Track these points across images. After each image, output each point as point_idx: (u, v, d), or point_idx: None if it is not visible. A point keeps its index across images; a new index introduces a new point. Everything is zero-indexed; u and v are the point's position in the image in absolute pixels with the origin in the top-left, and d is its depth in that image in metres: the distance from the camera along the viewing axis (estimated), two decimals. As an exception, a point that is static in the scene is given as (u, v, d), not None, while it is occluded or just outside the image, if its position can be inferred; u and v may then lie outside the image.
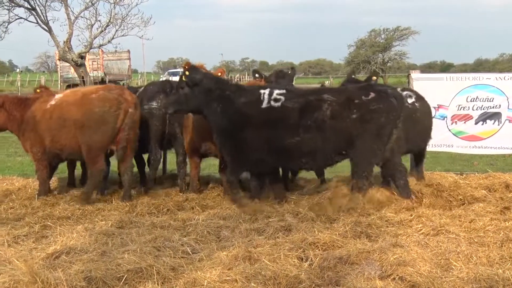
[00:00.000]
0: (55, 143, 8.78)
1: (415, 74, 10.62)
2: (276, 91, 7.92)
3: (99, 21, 27.75)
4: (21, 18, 27.32)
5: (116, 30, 27.95)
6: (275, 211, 7.63)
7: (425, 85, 10.41)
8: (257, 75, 9.70)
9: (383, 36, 63.31)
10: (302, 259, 5.77)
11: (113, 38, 28.08)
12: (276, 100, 7.84)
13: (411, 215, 7.35)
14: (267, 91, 7.93)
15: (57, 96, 9.05)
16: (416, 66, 66.26)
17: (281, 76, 9.56)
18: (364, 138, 7.80)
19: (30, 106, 9.04)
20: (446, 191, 8.40)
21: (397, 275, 5.28)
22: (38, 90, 9.63)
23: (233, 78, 56.60)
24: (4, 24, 27.18)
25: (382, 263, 5.54)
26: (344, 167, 8.61)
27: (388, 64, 63.76)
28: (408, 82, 10.65)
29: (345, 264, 5.61)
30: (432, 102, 10.28)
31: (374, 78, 9.38)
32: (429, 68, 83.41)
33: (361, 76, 60.02)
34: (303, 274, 5.29)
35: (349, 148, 7.88)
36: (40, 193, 8.97)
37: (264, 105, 7.84)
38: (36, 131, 8.85)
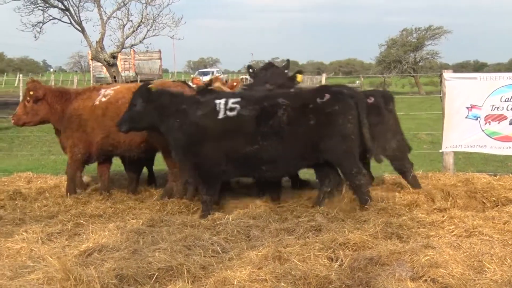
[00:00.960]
0: (110, 140, 8.76)
1: (447, 74, 10.47)
2: (231, 100, 7.77)
3: (131, 21, 27.97)
4: (55, 18, 27.67)
5: (148, 30, 28.12)
6: (305, 211, 7.62)
7: (457, 85, 10.28)
8: (250, 70, 9.64)
9: (415, 35, 62.36)
10: (332, 260, 5.74)
11: (144, 38, 28.26)
12: (231, 109, 7.71)
13: (443, 217, 7.25)
14: (222, 101, 7.77)
15: (105, 92, 9.02)
16: (448, 65, 65.29)
17: (266, 68, 9.33)
18: (330, 142, 7.72)
19: (71, 101, 8.99)
20: (479, 192, 8.28)
21: (429, 276, 5.22)
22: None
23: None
24: (38, 24, 27.55)
25: (413, 265, 5.47)
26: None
27: (420, 63, 62.80)
28: (441, 82, 10.51)
29: (376, 265, 5.55)
30: (465, 102, 10.16)
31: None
32: (462, 67, 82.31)
33: (392, 77, 59.58)
34: (333, 275, 5.26)
35: (314, 153, 7.79)
36: (70, 191, 8.99)
37: (221, 115, 7.70)
38: (84, 130, 8.79)
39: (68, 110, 8.94)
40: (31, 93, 8.96)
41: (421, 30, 62.21)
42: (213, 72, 53.34)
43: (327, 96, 7.75)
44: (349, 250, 6.00)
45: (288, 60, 9.47)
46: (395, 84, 67.76)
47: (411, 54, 62.40)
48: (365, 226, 6.77)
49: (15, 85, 43.40)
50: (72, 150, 8.94)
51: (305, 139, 7.68)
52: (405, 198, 8.10)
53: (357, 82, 71.01)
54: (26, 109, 9.07)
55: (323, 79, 11.94)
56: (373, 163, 8.76)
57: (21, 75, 25.22)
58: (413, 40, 62.46)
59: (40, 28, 27.67)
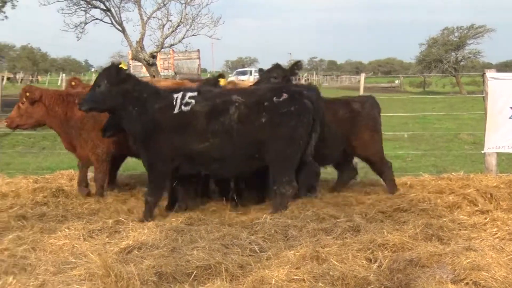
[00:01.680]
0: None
1: (490, 73, 10.26)
2: (188, 94, 7.63)
3: (171, 21, 28.26)
4: (96, 19, 28.20)
5: (187, 30, 28.35)
6: (343, 212, 7.57)
7: (501, 84, 10.07)
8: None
9: (456, 34, 61.38)
10: (370, 260, 5.68)
11: (183, 38, 28.51)
12: (186, 104, 7.57)
13: (486, 219, 7.12)
14: (179, 95, 7.63)
15: None
16: (491, 65, 64.12)
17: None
18: (276, 143, 7.56)
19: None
20: (523, 194, 8.09)
21: (471, 279, 5.13)
22: (73, 83, 9.53)
23: (301, 77, 56.53)
24: (81, 25, 28.10)
25: (454, 267, 5.39)
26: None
27: (462, 63, 61.80)
28: (483, 81, 10.31)
29: (416, 267, 5.48)
30: (508, 102, 9.95)
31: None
32: (505, 67, 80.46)
33: (433, 76, 58.62)
34: (372, 276, 5.21)
35: (261, 153, 7.64)
36: (100, 194, 8.94)
37: (176, 110, 7.56)
38: (100, 128, 8.42)
39: (75, 113, 8.66)
40: (28, 94, 8.73)
41: (463, 29, 61.21)
42: (251, 72, 53.42)
43: (285, 96, 7.61)
44: (388, 251, 5.93)
45: (298, 61, 9.50)
46: (435, 83, 66.88)
47: (453, 53, 61.46)
48: (405, 227, 6.69)
49: (58, 84, 44.36)
50: (95, 152, 8.79)
51: (254, 138, 7.56)
52: (446, 199, 7.98)
53: (397, 81, 70.39)
54: (20, 111, 8.84)
55: (361, 79, 11.82)
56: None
57: (63, 75, 25.80)
58: (454, 39, 61.50)
59: (83, 28, 28.24)
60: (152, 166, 7.75)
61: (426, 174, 9.98)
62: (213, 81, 9.06)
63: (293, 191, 7.71)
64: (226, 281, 5.21)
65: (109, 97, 7.67)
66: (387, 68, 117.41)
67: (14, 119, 8.90)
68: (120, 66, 7.71)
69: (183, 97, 7.61)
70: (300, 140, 7.63)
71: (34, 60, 76.65)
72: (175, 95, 7.65)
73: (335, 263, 5.49)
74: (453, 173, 9.63)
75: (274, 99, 7.57)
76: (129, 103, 7.67)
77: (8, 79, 50.53)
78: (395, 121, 20.02)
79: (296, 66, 9.31)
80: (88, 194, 9.05)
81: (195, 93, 7.67)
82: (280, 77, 8.89)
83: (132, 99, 7.67)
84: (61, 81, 26.68)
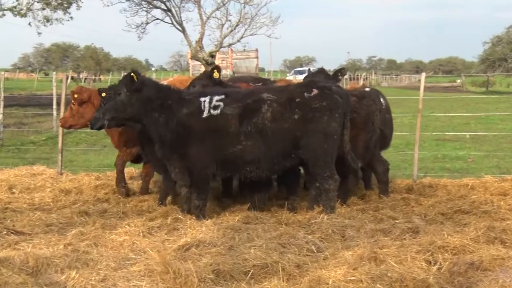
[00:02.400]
0: None
1: (558, 72, 9.90)
2: (216, 97, 7.51)
3: (230, 20, 28.59)
4: (157, 19, 28.79)
5: (245, 30, 28.60)
6: (401, 213, 7.46)
7: None
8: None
9: (523, 32, 59.48)
10: (430, 263, 5.59)
11: (242, 37, 28.80)
12: (215, 107, 7.46)
13: (552, 222, 6.87)
14: (207, 99, 7.50)
15: None
16: (559, 63, 61.60)
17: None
18: (313, 139, 7.49)
19: None
20: None
21: (536, 285, 4.96)
22: None
23: (359, 76, 55.93)
24: (142, 25, 28.76)
25: (518, 272, 5.23)
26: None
27: (528, 61, 59.81)
28: (550, 80, 9.95)
29: (477, 270, 5.36)
30: None
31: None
32: None
33: (497, 75, 56.95)
34: (432, 278, 5.12)
35: (297, 150, 7.56)
36: (119, 181, 9.26)
37: (205, 114, 7.44)
38: None
39: None
40: (76, 96, 9.03)
41: (530, 26, 59.10)
42: (309, 71, 53.29)
43: (315, 91, 7.57)
44: (448, 254, 5.82)
45: (342, 68, 9.68)
46: (499, 83, 64.86)
47: (519, 51, 59.43)
48: (466, 230, 6.56)
49: (119, 84, 45.03)
50: (123, 145, 9.24)
51: (289, 135, 7.50)
52: (510, 202, 7.76)
53: (458, 81, 68.65)
54: (72, 111, 9.16)
55: (422, 78, 11.60)
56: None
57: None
58: (521, 37, 59.45)
59: (144, 28, 28.86)
60: (191, 171, 7.73)
61: (488, 175, 9.71)
62: (209, 74, 8.99)
63: (336, 185, 7.68)
64: (283, 280, 5.22)
65: (130, 105, 7.64)
66: (448, 67, 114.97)
67: (67, 120, 9.29)
68: (132, 75, 7.63)
69: (210, 101, 7.55)
70: (334, 135, 7.61)
71: (97, 59, 78.46)
72: (202, 99, 7.59)
73: (394, 264, 5.42)
74: (517, 175, 9.34)
75: (305, 94, 7.58)
76: (153, 110, 7.62)
77: (72, 78, 52.02)
78: (456, 121, 19.54)
79: (340, 72, 9.40)
80: (128, 194, 9.27)
81: (223, 96, 7.63)
82: None
83: (156, 106, 7.62)
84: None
